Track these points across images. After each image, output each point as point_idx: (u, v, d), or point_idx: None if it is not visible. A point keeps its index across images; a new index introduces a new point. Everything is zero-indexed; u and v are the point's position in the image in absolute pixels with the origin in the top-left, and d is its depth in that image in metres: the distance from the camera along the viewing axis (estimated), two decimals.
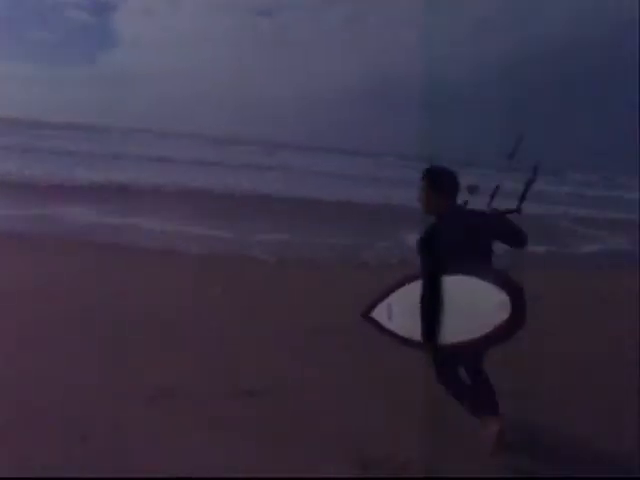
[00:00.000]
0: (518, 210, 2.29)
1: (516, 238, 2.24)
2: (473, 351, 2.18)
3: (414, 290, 2.17)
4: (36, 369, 2.96)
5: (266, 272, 6.52)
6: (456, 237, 2.16)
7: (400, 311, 2.37)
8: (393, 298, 2.44)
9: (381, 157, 45.87)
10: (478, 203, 2.34)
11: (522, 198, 2.31)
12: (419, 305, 2.11)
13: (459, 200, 2.33)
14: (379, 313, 2.52)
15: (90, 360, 3.19)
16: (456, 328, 2.04)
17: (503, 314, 1.88)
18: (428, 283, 2.11)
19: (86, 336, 3.60)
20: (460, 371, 2.27)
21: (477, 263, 2.17)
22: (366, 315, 2.60)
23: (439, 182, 2.31)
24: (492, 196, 2.41)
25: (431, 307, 2.07)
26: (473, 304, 2.02)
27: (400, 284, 2.41)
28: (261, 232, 8.98)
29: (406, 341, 2.36)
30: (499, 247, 2.33)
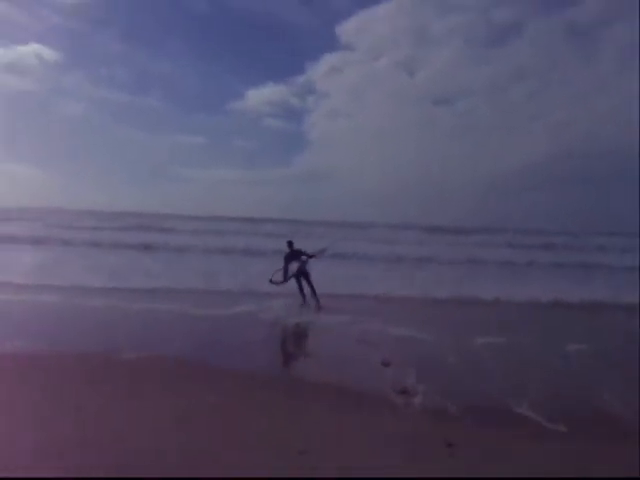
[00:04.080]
0: (313, 255, 10.74)
1: (310, 257, 10.65)
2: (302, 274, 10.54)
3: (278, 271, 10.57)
4: None
5: None
6: (291, 256, 10.59)
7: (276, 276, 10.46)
8: (276, 272, 10.48)
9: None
10: None
11: (319, 253, 10.91)
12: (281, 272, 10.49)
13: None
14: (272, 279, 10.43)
15: None
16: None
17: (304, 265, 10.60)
18: (285, 265, 10.46)
19: None
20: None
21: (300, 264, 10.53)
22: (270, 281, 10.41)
23: (288, 243, 10.82)
24: (322, 250, 11.10)
25: (285, 271, 10.43)
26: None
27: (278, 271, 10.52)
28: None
29: (278, 283, 10.41)
30: None
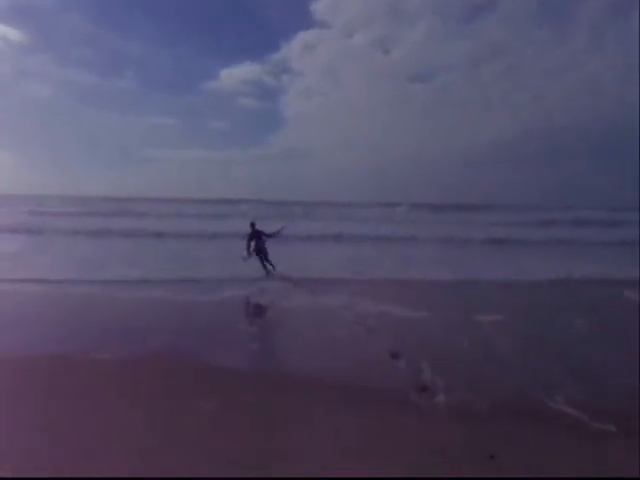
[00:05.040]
0: (274, 235, 12.31)
1: (268, 237, 12.16)
2: (262, 251, 12.04)
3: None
4: None
5: None
6: (254, 235, 11.98)
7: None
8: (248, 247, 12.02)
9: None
10: None
11: (276, 233, 12.36)
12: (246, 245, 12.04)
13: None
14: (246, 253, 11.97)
15: None
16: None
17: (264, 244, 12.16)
18: (247, 243, 11.91)
19: None
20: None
21: (259, 242, 12.01)
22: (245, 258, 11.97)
23: (250, 224, 12.16)
24: (279, 229, 12.50)
25: (248, 247, 11.88)
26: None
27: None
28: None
29: (244, 258, 11.87)
30: None
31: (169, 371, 5.31)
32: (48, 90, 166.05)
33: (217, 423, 3.96)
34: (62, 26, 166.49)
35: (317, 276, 11.53)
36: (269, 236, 12.18)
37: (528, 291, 10.73)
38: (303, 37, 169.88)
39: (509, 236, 21.47)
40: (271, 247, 12.35)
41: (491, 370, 5.51)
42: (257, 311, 8.59)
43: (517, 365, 5.60)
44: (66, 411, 4.17)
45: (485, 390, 4.81)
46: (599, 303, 9.53)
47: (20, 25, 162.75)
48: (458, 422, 4.04)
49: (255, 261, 12.06)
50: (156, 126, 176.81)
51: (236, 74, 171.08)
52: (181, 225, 23.90)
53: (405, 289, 10.71)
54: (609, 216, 34.72)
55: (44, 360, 5.54)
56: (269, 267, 12.10)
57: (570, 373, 5.34)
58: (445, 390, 4.73)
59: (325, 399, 4.54)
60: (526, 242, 20.44)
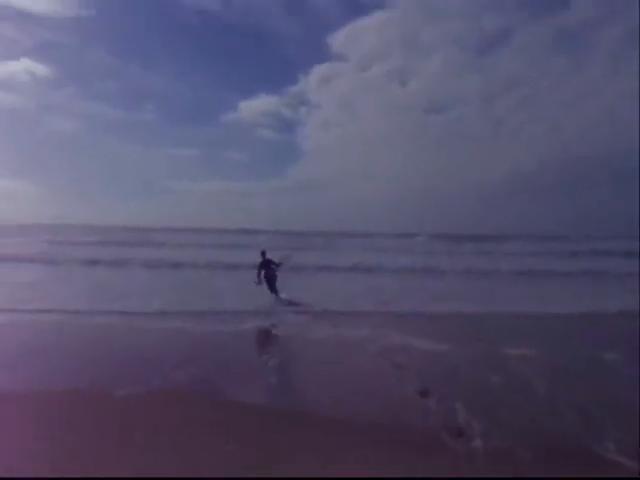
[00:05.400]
0: (279, 264, 12.70)
1: (277, 266, 12.57)
2: (271, 278, 12.46)
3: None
4: None
5: None
6: (264, 264, 12.37)
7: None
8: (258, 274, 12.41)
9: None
10: None
11: (280, 263, 12.71)
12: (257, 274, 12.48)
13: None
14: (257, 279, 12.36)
15: None
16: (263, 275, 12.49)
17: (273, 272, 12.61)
18: (258, 271, 12.29)
19: None
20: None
21: (269, 270, 12.44)
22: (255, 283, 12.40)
23: (261, 253, 12.61)
24: (284, 260, 13.02)
25: (258, 275, 12.26)
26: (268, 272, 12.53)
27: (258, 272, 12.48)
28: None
29: (256, 284, 12.26)
30: None
31: (187, 405, 5.11)
32: (72, 124, 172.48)
33: (233, 461, 3.72)
34: (86, 60, 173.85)
35: (338, 308, 11.23)
36: (278, 265, 12.73)
37: (558, 324, 10.22)
38: (320, 70, 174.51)
39: (533, 267, 20.87)
40: (291, 278, 11.94)
41: (527, 410, 5.12)
42: (276, 343, 8.32)
43: (555, 405, 5.20)
44: (82, 446, 3.99)
45: (525, 434, 4.43)
46: (634, 337, 9.01)
47: (47, 60, 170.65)
48: (500, 471, 3.69)
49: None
50: (177, 158, 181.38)
51: (255, 106, 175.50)
52: (200, 255, 23.80)
53: (430, 321, 10.29)
54: (633, 246, 33.81)
55: (61, 395, 5.39)
56: (275, 294, 12.43)
57: (613, 415, 4.91)
58: (482, 435, 4.36)
59: (347, 439, 4.26)
60: (551, 273, 19.82)
